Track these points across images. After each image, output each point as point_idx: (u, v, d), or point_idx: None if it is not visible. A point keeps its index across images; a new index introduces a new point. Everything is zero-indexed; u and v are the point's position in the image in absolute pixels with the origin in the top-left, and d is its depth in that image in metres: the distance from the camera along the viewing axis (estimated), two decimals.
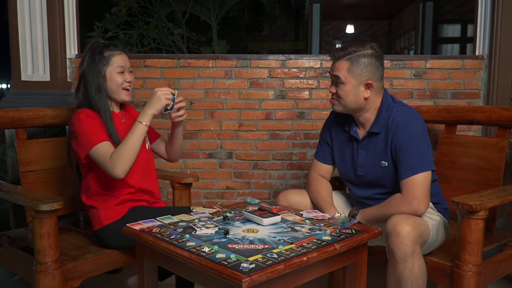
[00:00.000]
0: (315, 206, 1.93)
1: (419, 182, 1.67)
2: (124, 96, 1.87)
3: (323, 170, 1.98)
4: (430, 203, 1.79)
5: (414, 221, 1.61)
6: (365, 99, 1.75)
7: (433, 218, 1.75)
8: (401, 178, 1.70)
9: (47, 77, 2.59)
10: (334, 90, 1.78)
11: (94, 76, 1.81)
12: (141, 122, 1.76)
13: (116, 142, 1.78)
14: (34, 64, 2.59)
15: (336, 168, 1.99)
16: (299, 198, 1.96)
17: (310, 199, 1.96)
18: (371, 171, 1.81)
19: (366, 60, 1.72)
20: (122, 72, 1.84)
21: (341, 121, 1.90)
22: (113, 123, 1.84)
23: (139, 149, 1.77)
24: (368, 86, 1.74)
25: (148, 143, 1.98)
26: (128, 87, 1.87)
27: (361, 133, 1.84)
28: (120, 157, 1.70)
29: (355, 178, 1.88)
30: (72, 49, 2.68)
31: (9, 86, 2.65)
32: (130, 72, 1.90)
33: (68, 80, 2.65)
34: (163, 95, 1.76)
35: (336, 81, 1.77)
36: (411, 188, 1.67)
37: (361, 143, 1.83)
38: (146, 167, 1.93)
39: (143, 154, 1.88)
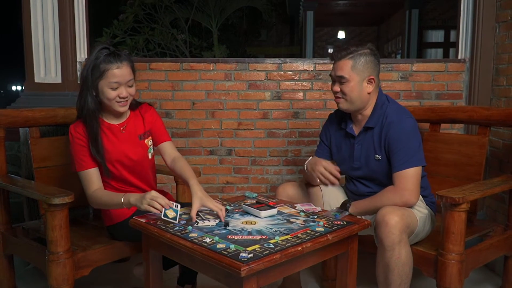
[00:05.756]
0: (310, 197, 1.93)
1: (410, 175, 1.68)
2: (118, 107, 1.71)
3: None
4: (420, 196, 1.79)
5: (403, 212, 1.62)
6: (368, 93, 1.78)
7: (421, 211, 1.75)
8: (394, 171, 1.71)
9: (58, 79, 2.58)
10: (338, 89, 1.79)
11: (89, 88, 1.68)
12: (122, 200, 1.63)
13: (100, 160, 1.71)
14: (46, 67, 2.58)
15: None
16: (296, 190, 1.99)
17: (306, 191, 1.97)
18: (366, 164, 1.83)
19: (367, 58, 1.76)
20: (116, 88, 1.67)
21: (338, 120, 1.94)
22: (99, 143, 1.71)
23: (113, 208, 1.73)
24: (370, 81, 1.77)
25: (152, 152, 1.86)
26: (120, 101, 1.70)
27: (356, 129, 1.87)
28: (97, 203, 1.72)
29: (351, 170, 1.89)
30: (82, 53, 2.67)
31: (23, 87, 2.64)
32: (130, 86, 1.70)
33: (78, 82, 2.63)
34: (146, 202, 1.55)
35: (340, 80, 1.78)
36: (403, 180, 1.68)
37: (357, 138, 1.85)
38: (146, 173, 1.86)
39: (145, 163, 1.83)
